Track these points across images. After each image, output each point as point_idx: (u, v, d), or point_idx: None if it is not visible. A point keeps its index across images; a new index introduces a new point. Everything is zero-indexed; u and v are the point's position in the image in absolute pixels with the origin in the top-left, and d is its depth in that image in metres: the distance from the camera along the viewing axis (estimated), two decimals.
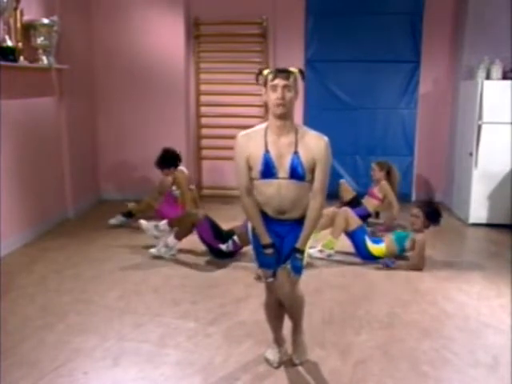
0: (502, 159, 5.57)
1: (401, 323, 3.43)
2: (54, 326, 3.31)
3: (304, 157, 2.49)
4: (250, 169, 2.58)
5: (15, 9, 4.50)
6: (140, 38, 6.35)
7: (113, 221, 5.51)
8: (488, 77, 5.60)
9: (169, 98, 6.45)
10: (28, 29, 4.79)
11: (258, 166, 2.53)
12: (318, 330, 3.30)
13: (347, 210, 4.65)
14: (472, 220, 5.73)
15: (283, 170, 2.51)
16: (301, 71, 2.55)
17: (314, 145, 2.51)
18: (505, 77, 5.61)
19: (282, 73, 2.45)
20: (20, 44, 4.61)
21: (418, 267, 4.39)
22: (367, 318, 3.49)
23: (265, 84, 2.49)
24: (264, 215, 2.64)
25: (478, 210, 5.71)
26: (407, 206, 6.55)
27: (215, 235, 4.50)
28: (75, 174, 5.86)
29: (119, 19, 6.33)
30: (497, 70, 5.57)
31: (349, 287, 4.03)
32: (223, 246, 4.47)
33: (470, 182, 5.71)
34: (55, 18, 4.99)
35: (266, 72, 2.49)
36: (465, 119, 5.95)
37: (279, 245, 2.67)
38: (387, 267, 4.36)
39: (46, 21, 4.88)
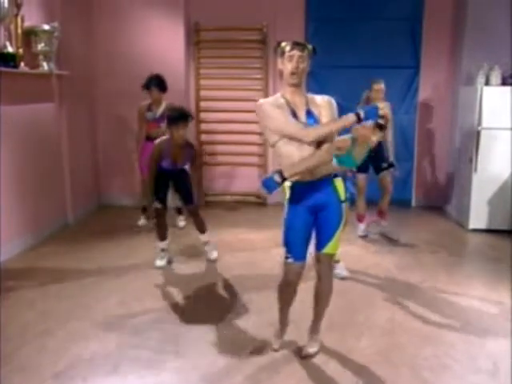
0: (501, 165, 5.57)
1: (401, 329, 3.42)
2: (54, 332, 3.30)
3: (316, 112, 2.84)
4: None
5: (16, 15, 4.52)
6: (140, 44, 6.36)
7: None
8: (487, 83, 5.61)
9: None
10: (28, 35, 4.81)
11: None
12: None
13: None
14: (472, 225, 5.73)
15: (300, 120, 2.80)
16: (313, 48, 2.88)
17: (320, 101, 2.90)
18: (504, 83, 5.61)
19: (299, 45, 2.79)
20: (20, 50, 4.62)
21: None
22: (367, 324, 3.48)
23: (281, 55, 2.81)
24: (299, 186, 2.80)
25: (478, 216, 5.70)
26: (407, 213, 6.58)
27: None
28: (75, 180, 5.86)
29: (120, 26, 6.34)
30: (496, 76, 5.58)
31: (348, 293, 4.02)
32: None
33: (469, 187, 5.70)
34: (56, 24, 5.01)
35: (283, 44, 2.82)
36: (464, 125, 5.96)
37: (311, 225, 2.84)
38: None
39: (46, 27, 4.90)
